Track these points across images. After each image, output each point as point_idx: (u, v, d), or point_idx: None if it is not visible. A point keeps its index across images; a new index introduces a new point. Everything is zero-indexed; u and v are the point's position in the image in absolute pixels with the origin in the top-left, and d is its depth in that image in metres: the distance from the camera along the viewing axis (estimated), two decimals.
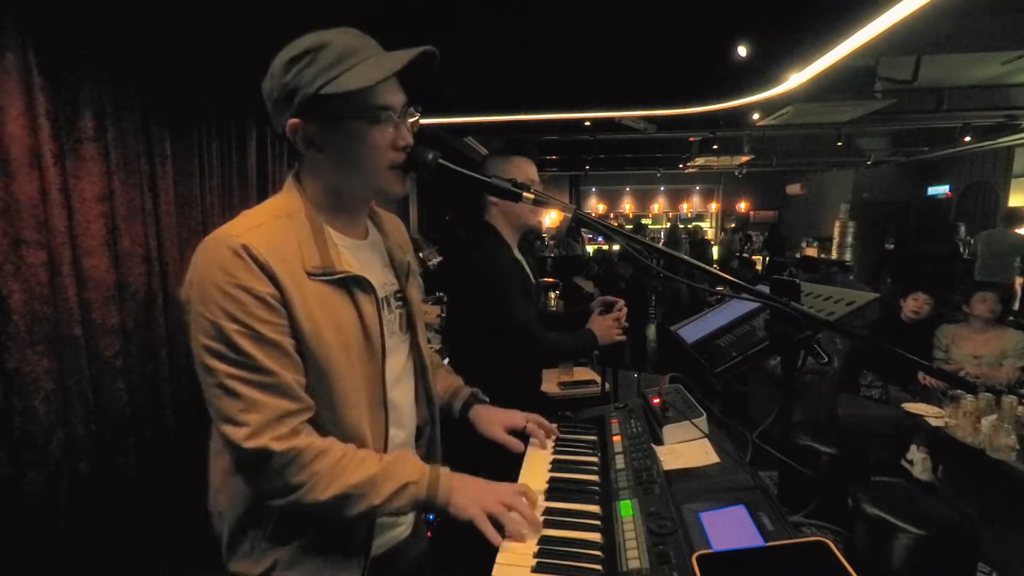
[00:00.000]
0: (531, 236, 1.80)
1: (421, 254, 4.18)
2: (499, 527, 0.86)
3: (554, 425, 1.25)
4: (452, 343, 1.80)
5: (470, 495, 0.88)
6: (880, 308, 3.76)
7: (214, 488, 0.93)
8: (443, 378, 1.24)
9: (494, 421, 1.17)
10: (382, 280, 0.96)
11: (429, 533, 1.93)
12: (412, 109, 0.90)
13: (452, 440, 1.20)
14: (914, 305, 3.44)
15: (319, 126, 0.84)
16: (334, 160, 0.86)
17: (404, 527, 1.04)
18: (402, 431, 1.00)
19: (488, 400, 1.23)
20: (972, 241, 6.89)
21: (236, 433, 0.77)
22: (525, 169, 1.61)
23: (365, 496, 0.82)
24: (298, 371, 0.82)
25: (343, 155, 0.86)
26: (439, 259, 4.84)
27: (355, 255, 0.92)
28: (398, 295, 1.00)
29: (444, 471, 0.90)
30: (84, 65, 1.90)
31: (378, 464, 0.85)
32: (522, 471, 1.11)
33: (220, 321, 0.76)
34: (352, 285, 0.88)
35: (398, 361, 0.98)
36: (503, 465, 1.11)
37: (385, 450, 0.92)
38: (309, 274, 0.82)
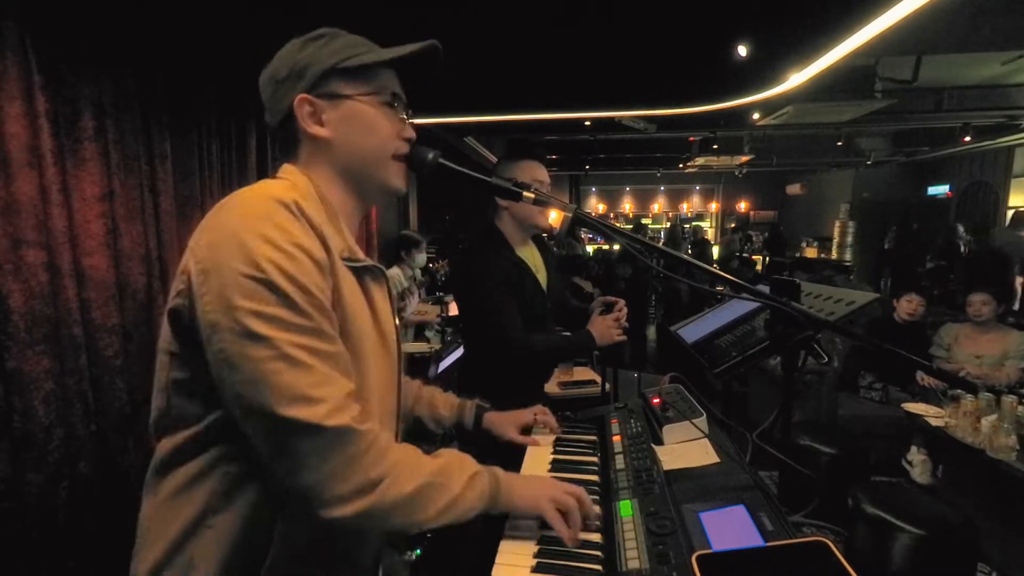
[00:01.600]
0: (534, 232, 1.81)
1: (414, 252, 4.19)
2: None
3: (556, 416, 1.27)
4: (466, 348, 1.83)
5: (533, 488, 0.86)
6: (880, 308, 3.76)
7: (161, 547, 0.72)
8: (441, 400, 1.21)
9: (507, 424, 1.20)
10: None
11: (429, 533, 1.93)
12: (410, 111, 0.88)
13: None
14: (908, 307, 3.45)
15: (328, 103, 0.79)
16: (340, 141, 0.80)
17: None
18: None
19: (490, 406, 1.24)
20: (972, 241, 6.89)
21: (313, 412, 0.64)
22: (534, 171, 1.62)
23: (445, 486, 0.75)
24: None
25: (350, 133, 0.81)
26: (444, 266, 4.87)
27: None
28: None
29: (497, 468, 0.87)
30: (84, 65, 1.90)
31: (440, 457, 0.79)
32: (522, 470, 1.11)
33: (276, 280, 0.64)
34: (366, 275, 0.81)
35: None
36: (505, 465, 1.11)
37: None
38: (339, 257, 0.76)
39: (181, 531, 0.72)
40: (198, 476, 0.72)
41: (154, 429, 0.76)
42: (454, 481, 0.76)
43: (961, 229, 7.13)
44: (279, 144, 0.84)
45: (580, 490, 0.88)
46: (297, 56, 0.79)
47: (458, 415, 1.21)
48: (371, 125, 0.82)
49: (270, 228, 0.66)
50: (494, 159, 1.80)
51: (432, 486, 0.73)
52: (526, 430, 1.23)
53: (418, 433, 1.15)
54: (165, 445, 0.75)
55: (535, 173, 1.62)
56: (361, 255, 0.81)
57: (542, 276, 1.72)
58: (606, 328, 1.61)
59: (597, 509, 0.93)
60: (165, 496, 0.74)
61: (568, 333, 1.72)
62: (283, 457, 0.67)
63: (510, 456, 1.16)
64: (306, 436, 0.65)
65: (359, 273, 0.80)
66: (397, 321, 0.88)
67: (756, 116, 5.32)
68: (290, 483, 0.68)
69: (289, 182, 0.79)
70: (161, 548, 0.73)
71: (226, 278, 0.64)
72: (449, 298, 3.70)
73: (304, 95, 0.78)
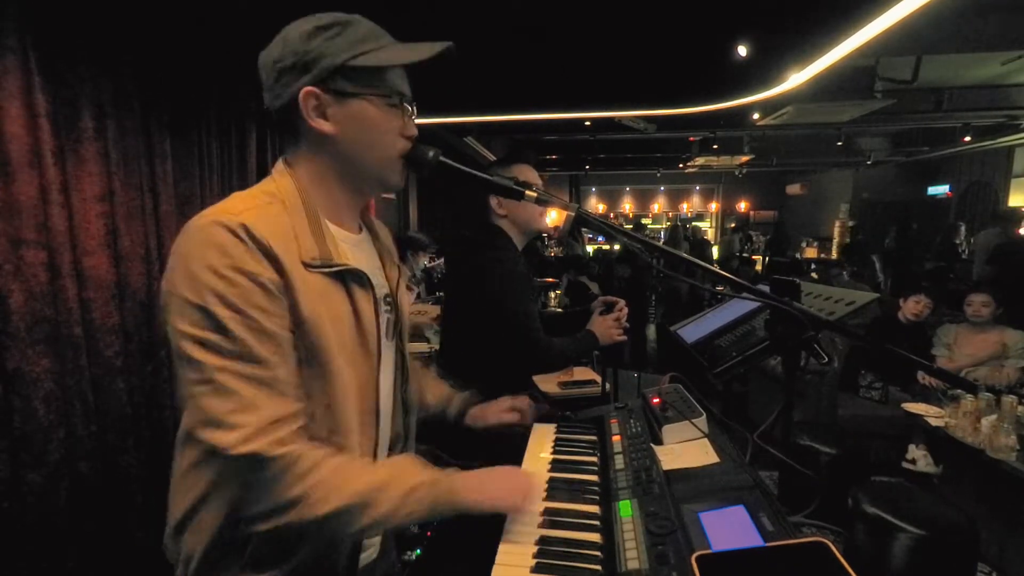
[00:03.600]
0: (533, 236, 1.80)
1: (420, 254, 4.22)
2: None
3: (525, 398, 1.27)
4: (447, 341, 1.79)
5: (482, 486, 0.86)
6: (880, 308, 3.77)
7: (181, 509, 0.81)
8: (433, 386, 1.22)
9: (488, 413, 1.21)
10: (377, 279, 0.91)
11: (429, 533, 1.93)
12: (413, 106, 0.88)
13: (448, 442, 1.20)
14: (915, 308, 3.45)
15: (335, 98, 0.79)
16: (343, 137, 0.81)
17: (372, 550, 0.97)
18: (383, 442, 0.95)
19: (480, 400, 1.24)
20: (972, 241, 6.90)
21: (224, 438, 0.67)
22: (525, 174, 1.60)
23: (369, 507, 0.74)
24: (292, 370, 0.75)
25: (355, 132, 0.82)
26: (440, 264, 4.88)
27: (351, 249, 0.88)
28: (388, 299, 0.96)
29: (450, 471, 0.86)
30: (84, 65, 1.90)
31: (379, 471, 0.79)
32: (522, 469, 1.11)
33: (212, 307, 0.68)
34: (349, 279, 0.82)
35: (386, 367, 0.94)
36: (503, 464, 1.11)
37: (375, 460, 0.88)
38: (306, 265, 0.77)
39: (192, 503, 0.80)
40: (202, 459, 0.78)
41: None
42: (386, 499, 0.75)
43: (963, 229, 7.12)
44: (279, 130, 0.84)
45: (528, 484, 0.89)
46: (306, 46, 0.78)
47: (444, 405, 1.20)
48: (376, 125, 0.83)
49: (211, 254, 0.70)
50: (494, 158, 1.78)
51: (356, 506, 0.74)
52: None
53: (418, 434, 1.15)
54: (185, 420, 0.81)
55: (527, 176, 1.61)
56: (340, 259, 0.81)
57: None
58: (607, 328, 1.61)
59: (590, 509, 0.93)
60: (183, 469, 0.81)
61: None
62: (207, 470, 0.74)
63: (509, 456, 1.16)
64: (218, 459, 0.69)
65: (340, 277, 0.81)
66: (384, 318, 0.90)
67: (756, 116, 5.33)
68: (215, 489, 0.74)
69: (267, 188, 0.81)
70: (184, 507, 0.81)
71: (174, 303, 0.70)
72: None
73: (310, 88, 0.78)
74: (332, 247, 0.81)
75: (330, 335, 0.78)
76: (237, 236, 0.71)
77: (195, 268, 0.70)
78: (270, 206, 0.78)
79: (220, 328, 0.69)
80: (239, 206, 0.75)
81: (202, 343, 0.68)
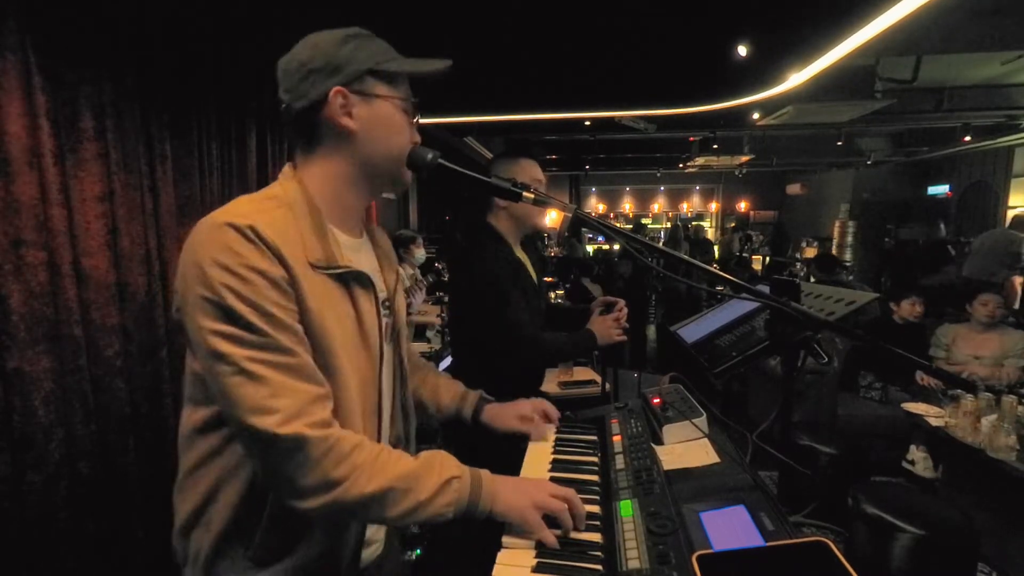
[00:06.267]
0: (535, 235, 1.81)
1: (412, 247, 4.26)
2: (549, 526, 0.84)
3: (543, 403, 1.28)
4: (455, 344, 1.81)
5: (519, 494, 0.85)
6: (880, 308, 3.77)
7: (188, 507, 0.85)
8: (445, 386, 1.23)
9: (508, 416, 1.21)
10: (376, 283, 0.93)
11: (429, 533, 1.93)
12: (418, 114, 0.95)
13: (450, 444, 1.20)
14: (911, 310, 3.45)
15: (360, 100, 0.85)
16: (364, 136, 0.86)
17: (376, 545, 0.99)
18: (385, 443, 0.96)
19: (494, 399, 1.25)
20: (967, 241, 6.89)
21: (266, 420, 0.70)
22: (530, 170, 1.62)
23: (411, 491, 0.78)
24: (311, 357, 0.77)
25: (375, 130, 0.87)
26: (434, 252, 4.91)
27: (353, 253, 0.90)
28: (386, 303, 0.98)
29: (484, 471, 0.87)
30: (84, 65, 1.90)
31: (417, 460, 0.82)
32: (522, 471, 1.11)
33: (230, 302, 0.71)
34: (352, 281, 0.85)
35: (387, 369, 0.95)
36: (504, 465, 1.11)
37: None
38: (312, 266, 0.79)
39: (203, 497, 0.83)
40: (216, 450, 0.82)
41: (184, 399, 0.87)
42: (423, 486, 0.79)
43: (943, 227, 7.12)
44: (293, 129, 0.87)
45: (570, 492, 0.88)
46: (336, 50, 0.84)
47: (459, 405, 1.22)
48: (395, 125, 0.89)
49: (223, 254, 0.72)
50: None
51: (396, 490, 0.77)
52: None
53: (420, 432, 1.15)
54: (191, 416, 0.84)
55: (532, 172, 1.62)
56: (343, 261, 0.84)
57: (534, 276, 1.72)
58: (606, 328, 1.61)
59: (590, 509, 0.93)
60: (192, 463, 0.84)
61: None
62: (251, 457, 0.78)
63: (509, 456, 1.16)
64: (264, 442, 0.72)
65: (343, 279, 0.84)
66: (383, 321, 0.92)
67: (756, 116, 5.33)
68: (261, 477, 0.78)
69: (273, 192, 0.85)
70: (190, 506, 0.85)
71: (192, 302, 0.73)
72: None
73: (340, 88, 0.83)
74: (336, 250, 0.84)
75: (335, 334, 0.81)
76: (246, 236, 0.73)
77: (208, 267, 0.72)
78: (276, 210, 0.81)
79: (241, 321, 0.71)
80: (246, 208, 0.78)
81: (226, 336, 0.71)
